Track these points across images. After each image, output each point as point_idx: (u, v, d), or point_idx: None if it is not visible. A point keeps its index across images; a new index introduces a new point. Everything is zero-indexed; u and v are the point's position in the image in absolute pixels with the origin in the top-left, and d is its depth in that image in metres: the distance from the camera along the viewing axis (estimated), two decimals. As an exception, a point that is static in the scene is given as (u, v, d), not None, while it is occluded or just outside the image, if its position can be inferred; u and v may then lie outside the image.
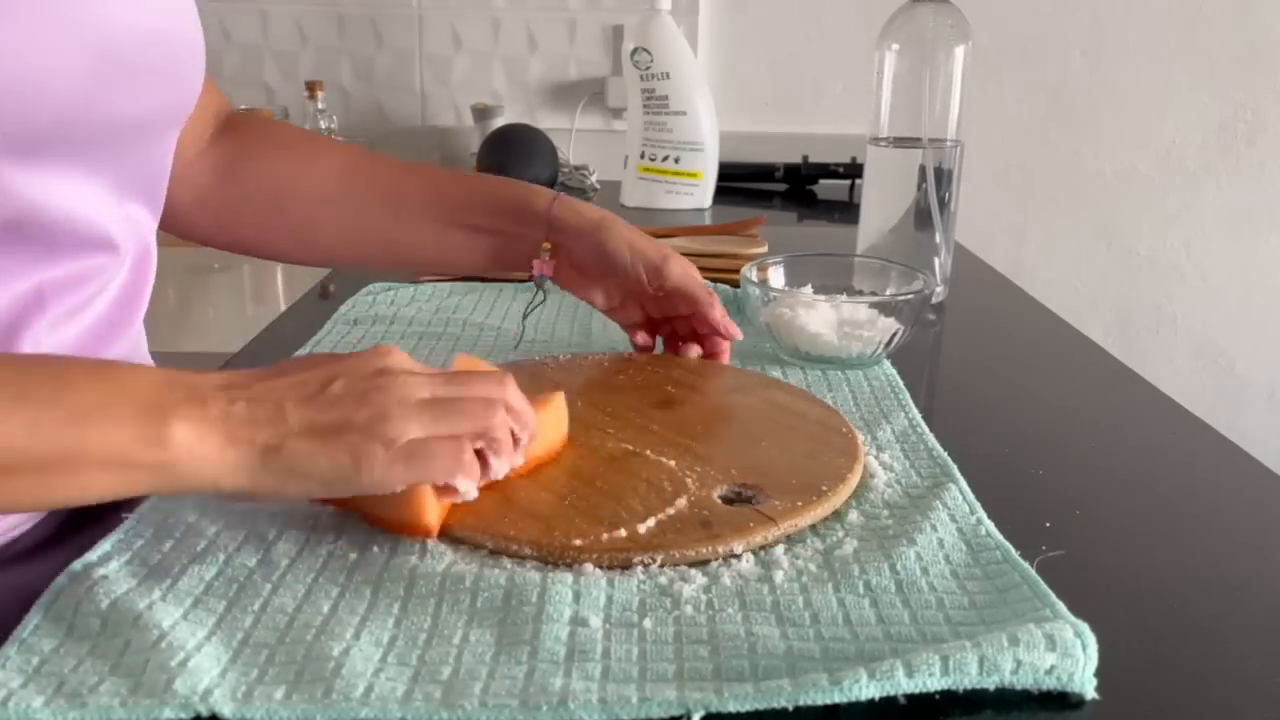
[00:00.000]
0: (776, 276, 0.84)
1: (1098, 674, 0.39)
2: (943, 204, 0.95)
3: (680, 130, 1.45)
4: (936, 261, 0.96)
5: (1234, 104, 1.78)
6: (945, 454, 0.60)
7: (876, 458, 0.60)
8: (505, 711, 0.37)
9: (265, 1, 1.74)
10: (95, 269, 0.55)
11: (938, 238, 0.95)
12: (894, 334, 0.75)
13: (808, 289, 0.81)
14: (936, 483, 0.56)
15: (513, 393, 0.50)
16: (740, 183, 1.62)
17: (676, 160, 1.46)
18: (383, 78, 1.77)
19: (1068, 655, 0.39)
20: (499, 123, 1.61)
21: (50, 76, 0.47)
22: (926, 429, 0.64)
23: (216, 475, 0.43)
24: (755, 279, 0.80)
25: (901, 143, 0.96)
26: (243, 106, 1.61)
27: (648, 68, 1.42)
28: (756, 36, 1.78)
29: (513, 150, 1.47)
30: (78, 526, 0.53)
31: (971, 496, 0.54)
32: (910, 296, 0.76)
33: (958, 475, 0.57)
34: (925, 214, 0.95)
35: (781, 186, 1.64)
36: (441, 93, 1.78)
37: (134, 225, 0.58)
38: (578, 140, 1.76)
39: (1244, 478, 0.61)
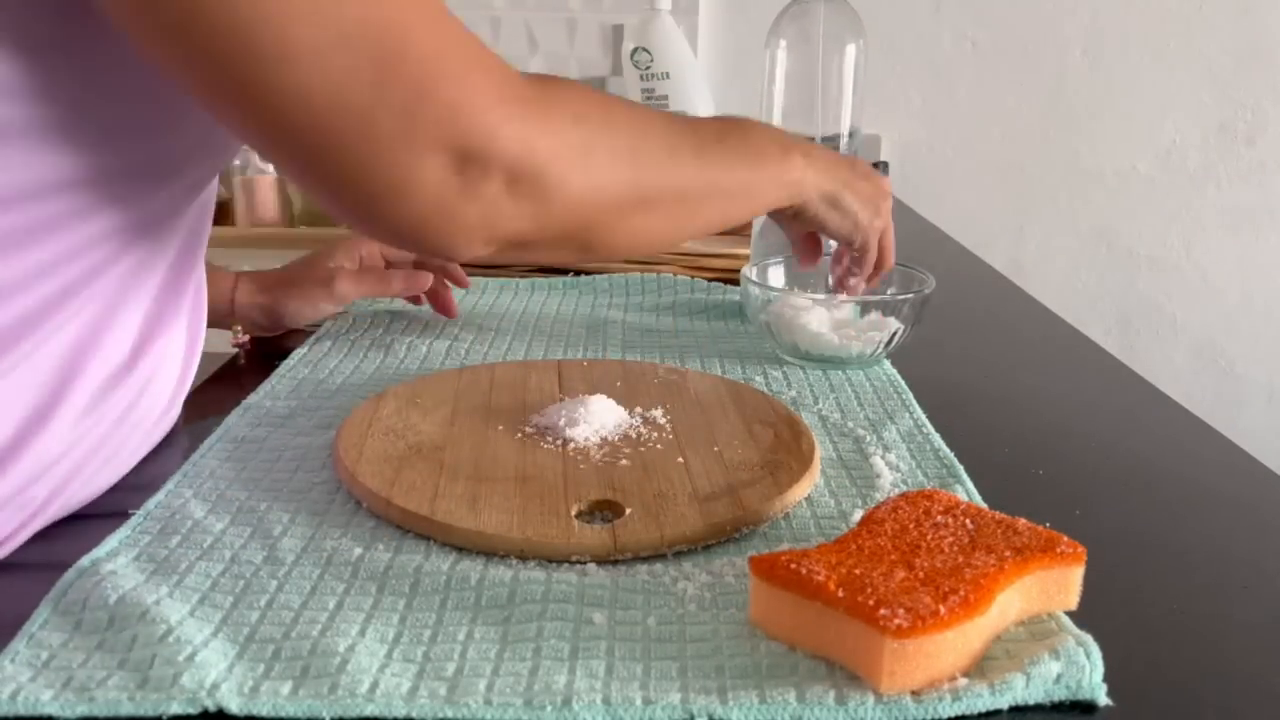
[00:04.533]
0: (776, 276, 0.84)
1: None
2: None
3: (681, 130, 1.45)
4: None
5: (1234, 104, 1.78)
6: (952, 455, 0.60)
7: (883, 458, 0.60)
8: (509, 710, 0.37)
9: (266, 0, 1.74)
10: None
11: (833, 241, 0.93)
12: (894, 333, 0.76)
13: (807, 289, 0.81)
14: (943, 483, 0.57)
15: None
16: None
17: (677, 160, 1.46)
18: (384, 77, 1.77)
19: (1073, 663, 0.39)
20: (500, 122, 1.61)
21: None
22: (933, 429, 0.64)
23: (811, 191, 0.67)
24: (755, 279, 0.80)
25: None
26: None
27: (648, 68, 1.43)
28: (756, 36, 1.78)
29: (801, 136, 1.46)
30: (85, 522, 0.53)
31: (979, 497, 0.55)
32: (911, 296, 0.77)
33: (964, 476, 0.57)
34: None
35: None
36: (442, 92, 1.78)
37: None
38: (578, 139, 1.76)
39: (1244, 478, 0.62)
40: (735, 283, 0.87)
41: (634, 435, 0.59)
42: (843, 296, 0.78)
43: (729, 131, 0.61)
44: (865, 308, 0.77)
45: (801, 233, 0.75)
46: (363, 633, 0.42)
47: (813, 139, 0.91)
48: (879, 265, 0.78)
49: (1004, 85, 1.79)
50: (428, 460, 0.55)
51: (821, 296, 0.78)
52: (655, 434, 0.60)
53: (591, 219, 0.51)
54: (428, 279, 0.84)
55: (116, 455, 0.55)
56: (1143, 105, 1.79)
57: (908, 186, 1.77)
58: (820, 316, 0.76)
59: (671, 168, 0.56)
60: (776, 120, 0.93)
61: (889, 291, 0.81)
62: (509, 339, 0.83)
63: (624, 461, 0.56)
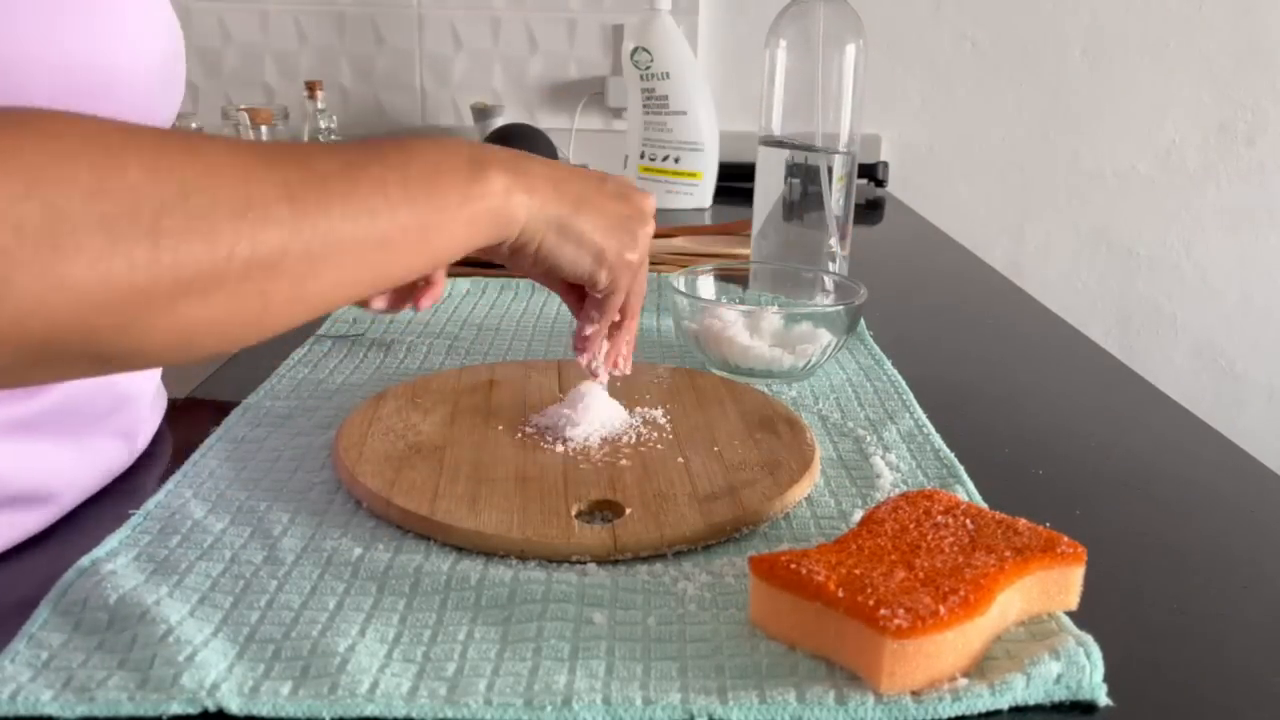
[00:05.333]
0: (706, 287, 0.82)
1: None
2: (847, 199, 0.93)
3: (680, 130, 1.45)
4: (830, 263, 0.95)
5: (1234, 104, 1.78)
6: (953, 455, 0.60)
7: (883, 458, 0.60)
8: (509, 710, 0.37)
9: (265, 1, 1.74)
10: None
11: (832, 242, 0.94)
12: (826, 346, 0.72)
13: (738, 301, 0.78)
14: (943, 483, 0.57)
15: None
16: (740, 183, 1.62)
17: (676, 160, 1.47)
18: (382, 77, 1.77)
19: (1073, 663, 0.39)
20: (499, 122, 1.61)
21: (126, 74, 0.48)
22: (933, 430, 0.64)
23: (526, 218, 0.50)
24: (683, 289, 0.76)
25: (787, 144, 0.93)
26: (243, 106, 1.61)
27: (648, 68, 1.42)
28: (756, 36, 1.79)
29: (513, 150, 1.47)
30: (85, 522, 0.53)
31: (979, 498, 0.55)
32: (841, 308, 0.74)
33: (964, 476, 0.57)
34: (792, 208, 0.94)
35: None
36: (441, 92, 1.78)
37: None
38: (578, 140, 1.76)
39: (1244, 478, 0.62)
40: (735, 283, 0.87)
41: (634, 435, 0.59)
42: (775, 308, 0.71)
43: (378, 157, 0.44)
44: (794, 319, 0.74)
45: (540, 278, 0.58)
46: (363, 633, 0.42)
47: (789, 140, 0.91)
48: (622, 321, 0.62)
49: (1004, 85, 1.79)
50: (428, 460, 0.55)
51: (749, 308, 0.74)
52: (655, 434, 0.60)
53: (85, 322, 0.34)
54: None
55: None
56: (1143, 105, 1.79)
57: (908, 186, 1.77)
58: (751, 329, 0.73)
59: (242, 227, 0.37)
60: (776, 120, 0.93)
61: (822, 302, 0.79)
62: (509, 339, 0.83)
63: (624, 461, 0.56)
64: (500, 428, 0.60)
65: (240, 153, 0.39)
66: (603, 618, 0.43)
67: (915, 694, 0.38)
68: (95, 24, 0.47)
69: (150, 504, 0.52)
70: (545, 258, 0.52)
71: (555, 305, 0.93)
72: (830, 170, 0.92)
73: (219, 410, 0.65)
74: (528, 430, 0.60)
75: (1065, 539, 0.43)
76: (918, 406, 0.68)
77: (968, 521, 0.45)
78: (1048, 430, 0.68)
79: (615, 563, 0.48)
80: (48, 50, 0.44)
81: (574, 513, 0.50)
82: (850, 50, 0.90)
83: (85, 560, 0.46)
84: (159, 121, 0.55)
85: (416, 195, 0.44)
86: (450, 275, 1.01)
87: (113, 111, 0.48)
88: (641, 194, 0.58)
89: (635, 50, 1.42)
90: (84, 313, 0.34)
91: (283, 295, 0.39)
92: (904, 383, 0.73)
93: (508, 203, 0.48)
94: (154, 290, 0.35)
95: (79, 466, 0.53)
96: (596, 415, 0.60)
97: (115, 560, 0.46)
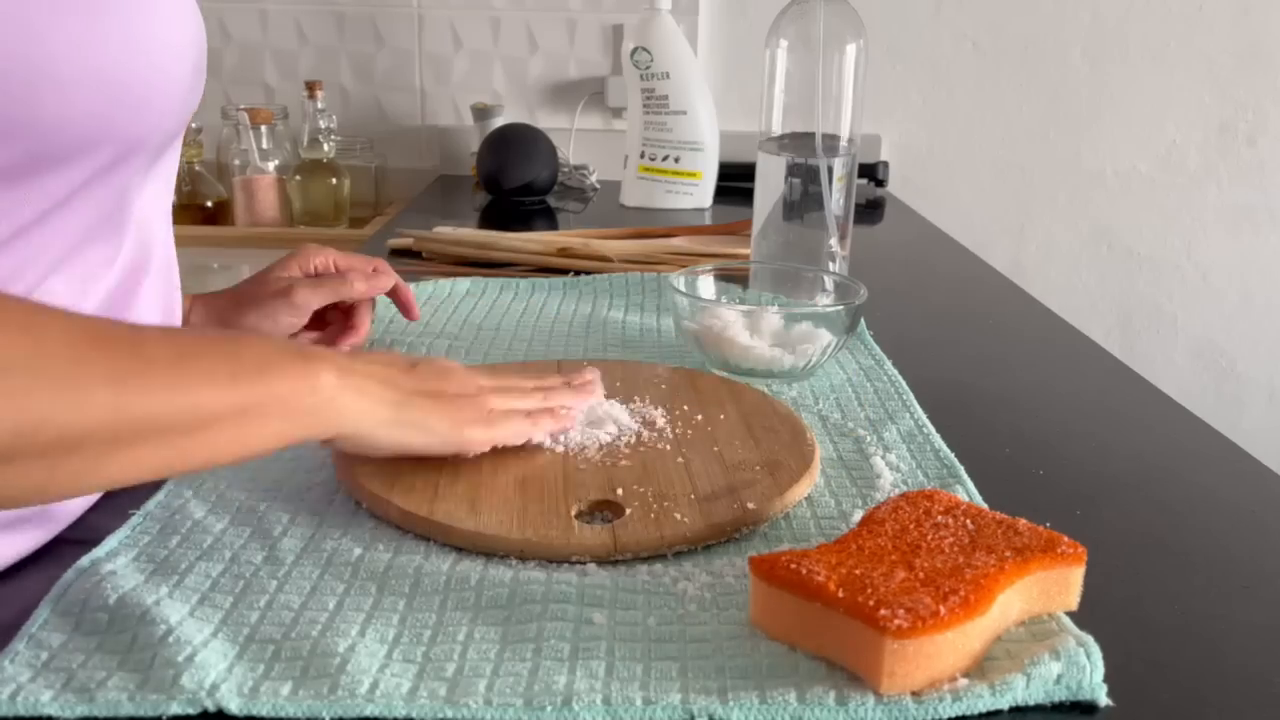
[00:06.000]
0: (706, 287, 0.82)
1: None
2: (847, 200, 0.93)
3: (680, 130, 1.45)
4: (830, 263, 0.94)
5: (1234, 104, 1.78)
6: (953, 455, 0.60)
7: (883, 458, 0.60)
8: (509, 710, 0.37)
9: (265, 1, 1.74)
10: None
11: (832, 242, 0.94)
12: (826, 346, 0.72)
13: (738, 301, 0.78)
14: (944, 483, 0.57)
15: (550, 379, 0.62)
16: (740, 183, 1.62)
17: (676, 160, 1.46)
18: (382, 77, 1.77)
19: (1073, 663, 0.39)
20: (499, 122, 1.61)
21: (167, 80, 0.49)
22: (933, 430, 0.64)
23: (353, 420, 0.49)
24: (683, 288, 0.76)
25: (787, 144, 0.93)
26: (243, 106, 1.61)
27: (648, 67, 1.42)
28: (756, 36, 1.78)
29: (512, 150, 1.47)
30: (85, 523, 0.53)
31: (980, 498, 0.55)
32: (841, 307, 0.74)
33: (965, 476, 0.57)
34: (792, 208, 0.93)
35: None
36: (441, 92, 1.78)
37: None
38: (578, 140, 1.76)
39: (1244, 478, 0.62)
40: (735, 283, 0.87)
41: (634, 435, 0.59)
42: (774, 308, 0.70)
43: (210, 346, 0.44)
44: (794, 319, 0.73)
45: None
46: (362, 633, 0.42)
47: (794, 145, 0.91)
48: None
49: (1004, 86, 1.79)
50: (427, 461, 0.55)
51: (749, 308, 0.75)
52: (655, 434, 0.60)
53: None
54: (389, 279, 0.79)
55: None
56: (1143, 105, 1.79)
57: (908, 186, 1.77)
58: (751, 329, 0.73)
59: (57, 408, 0.37)
60: (777, 120, 0.93)
61: (822, 302, 0.79)
62: (509, 339, 0.83)
63: (624, 462, 0.56)
64: (500, 428, 0.60)
65: (75, 331, 0.39)
66: (603, 618, 0.43)
67: (915, 694, 0.38)
68: (127, 32, 0.47)
69: (150, 504, 0.52)
70: (391, 446, 0.52)
71: (555, 305, 0.93)
72: (830, 170, 0.92)
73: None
74: (528, 430, 0.60)
75: (1065, 539, 0.43)
76: (918, 406, 0.68)
77: (968, 522, 0.45)
78: (1048, 430, 0.68)
79: (615, 563, 0.48)
80: (83, 64, 0.45)
81: (574, 513, 0.50)
82: (850, 50, 0.90)
83: (85, 560, 0.46)
84: (179, 127, 0.56)
85: (242, 385, 0.44)
86: (450, 275, 1.01)
87: (149, 124, 0.49)
88: (462, 371, 0.57)
89: (635, 50, 1.42)
90: None
91: (70, 470, 0.39)
92: (904, 383, 0.73)
93: (333, 400, 0.47)
94: None
95: None
96: (596, 416, 0.60)
97: (115, 560, 0.46)
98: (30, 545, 0.50)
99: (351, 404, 0.48)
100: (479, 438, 0.54)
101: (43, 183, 0.46)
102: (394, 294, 0.82)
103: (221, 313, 0.74)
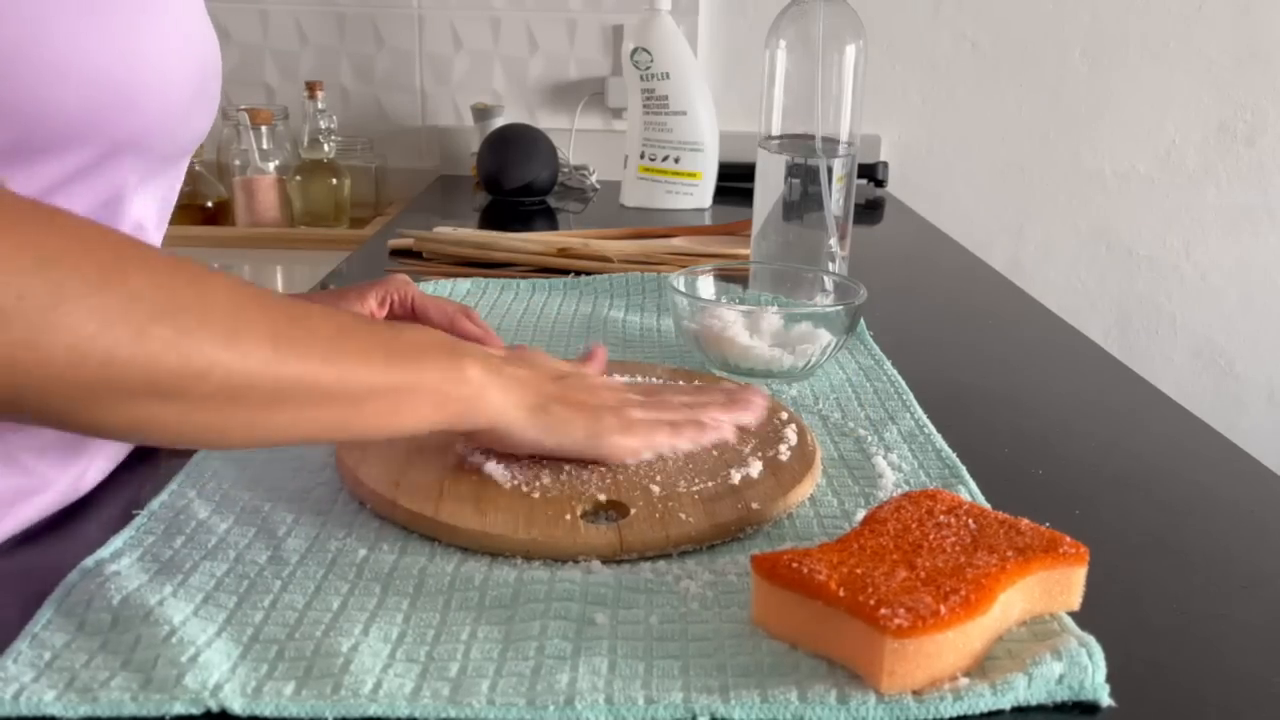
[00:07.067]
0: (706, 286, 0.82)
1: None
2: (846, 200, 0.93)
3: (680, 130, 1.45)
4: (830, 263, 0.95)
5: (1234, 104, 1.78)
6: (954, 455, 0.60)
7: (885, 458, 0.60)
8: (512, 710, 0.37)
9: (265, 1, 1.74)
10: None
11: (832, 242, 0.94)
12: (826, 346, 0.72)
13: (738, 301, 0.78)
14: (945, 483, 0.57)
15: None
16: (740, 183, 1.62)
17: (676, 160, 1.47)
18: (383, 77, 1.77)
19: (1075, 663, 0.39)
20: (499, 123, 1.61)
21: (158, 87, 0.49)
22: (934, 430, 0.64)
23: (498, 414, 0.51)
24: (683, 288, 0.76)
25: (787, 145, 0.93)
26: (243, 106, 1.61)
27: (648, 68, 1.43)
28: (756, 37, 1.79)
29: (513, 150, 1.47)
30: (88, 522, 0.53)
31: (982, 498, 0.55)
32: (841, 307, 0.74)
33: (967, 476, 0.57)
34: (792, 208, 0.93)
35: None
36: (441, 92, 1.78)
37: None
38: (578, 140, 1.76)
39: (1244, 478, 0.62)
40: (735, 283, 0.87)
41: None
42: (774, 308, 0.70)
43: (368, 327, 0.49)
44: (794, 319, 0.74)
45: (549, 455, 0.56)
46: (366, 633, 0.42)
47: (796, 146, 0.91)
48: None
49: (1004, 86, 1.79)
50: (432, 461, 0.55)
51: (749, 308, 0.74)
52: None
53: (48, 390, 0.37)
54: (469, 329, 0.73)
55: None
56: (1142, 106, 1.79)
57: (908, 186, 1.78)
58: (750, 329, 0.73)
59: (221, 354, 0.40)
60: (776, 120, 0.93)
61: (822, 302, 0.79)
62: (509, 339, 0.83)
63: (628, 461, 0.56)
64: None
65: (239, 291, 0.42)
66: (605, 617, 0.43)
67: (916, 693, 0.38)
68: (127, 31, 0.47)
69: (154, 504, 0.52)
70: (524, 444, 0.53)
71: (555, 305, 0.93)
72: (830, 170, 0.92)
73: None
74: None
75: (1067, 539, 0.43)
76: (918, 406, 0.68)
77: (970, 521, 0.45)
78: (1048, 430, 0.68)
79: (619, 562, 0.48)
80: (77, 57, 0.45)
81: (579, 513, 0.50)
82: (850, 51, 0.90)
83: (89, 560, 0.46)
84: (186, 140, 0.56)
85: (396, 365, 0.47)
86: (450, 276, 1.01)
87: (138, 126, 0.49)
88: (610, 385, 0.60)
89: (635, 50, 1.42)
90: (50, 383, 0.36)
91: (239, 421, 0.42)
92: (904, 383, 0.73)
93: (480, 393, 0.50)
94: (120, 383, 0.38)
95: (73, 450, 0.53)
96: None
97: (119, 560, 0.46)
98: (34, 515, 0.51)
99: (497, 399, 0.51)
100: (621, 446, 0.55)
101: (29, 171, 0.46)
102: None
103: None
